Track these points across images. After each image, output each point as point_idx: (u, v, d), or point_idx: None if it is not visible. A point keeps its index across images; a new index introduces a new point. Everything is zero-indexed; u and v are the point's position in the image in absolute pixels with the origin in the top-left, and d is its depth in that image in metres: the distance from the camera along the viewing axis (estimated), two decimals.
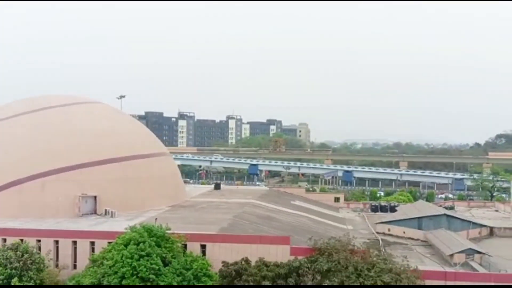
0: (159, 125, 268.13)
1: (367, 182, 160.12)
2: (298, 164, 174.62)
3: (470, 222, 51.77)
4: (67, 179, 46.72)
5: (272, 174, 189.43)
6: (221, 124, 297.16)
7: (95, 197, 47.33)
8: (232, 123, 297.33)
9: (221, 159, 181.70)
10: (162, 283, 31.19)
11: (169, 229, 35.34)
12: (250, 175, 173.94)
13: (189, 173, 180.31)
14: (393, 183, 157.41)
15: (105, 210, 46.71)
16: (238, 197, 62.93)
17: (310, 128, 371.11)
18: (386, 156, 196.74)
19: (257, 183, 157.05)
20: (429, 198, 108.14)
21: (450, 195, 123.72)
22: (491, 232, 53.48)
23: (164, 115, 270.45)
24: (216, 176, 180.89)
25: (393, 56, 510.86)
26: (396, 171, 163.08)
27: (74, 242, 37.08)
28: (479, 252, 40.37)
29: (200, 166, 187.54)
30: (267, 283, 30.12)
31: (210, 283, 32.89)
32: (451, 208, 74.08)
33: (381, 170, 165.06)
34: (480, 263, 39.42)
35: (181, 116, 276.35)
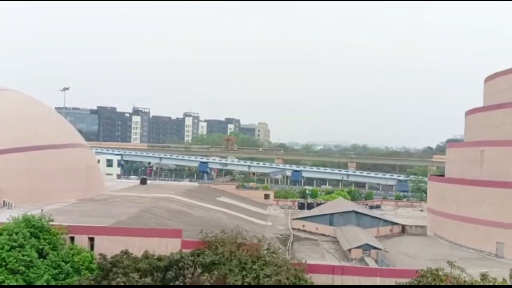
0: (111, 120, 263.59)
1: (315, 182, 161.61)
2: (248, 162, 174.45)
3: (380, 219, 52.41)
4: None
5: (224, 173, 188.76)
6: (177, 121, 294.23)
7: None
8: (188, 121, 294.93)
9: (171, 156, 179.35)
10: (33, 275, 29.91)
11: (52, 220, 34.04)
12: (200, 173, 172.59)
13: (137, 170, 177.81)
14: (340, 183, 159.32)
15: (3, 201, 44.80)
16: (159, 192, 61.85)
17: (270, 128, 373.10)
18: (335, 157, 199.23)
19: (207, 181, 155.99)
20: (368, 198, 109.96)
21: (388, 196, 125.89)
22: (403, 229, 54.35)
23: (118, 110, 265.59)
24: (165, 173, 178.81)
25: (365, 58, 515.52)
26: (343, 171, 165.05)
27: None
28: (376, 248, 40.71)
29: (149, 163, 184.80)
30: (137, 276, 29.21)
31: (89, 275, 31.78)
32: (377, 207, 75.30)
33: (328, 170, 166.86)
34: (376, 259, 39.77)
35: (136, 111, 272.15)
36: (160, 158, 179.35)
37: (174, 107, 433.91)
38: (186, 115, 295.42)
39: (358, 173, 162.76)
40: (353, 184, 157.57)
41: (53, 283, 30.45)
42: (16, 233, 31.17)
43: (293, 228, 54.16)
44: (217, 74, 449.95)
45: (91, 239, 35.74)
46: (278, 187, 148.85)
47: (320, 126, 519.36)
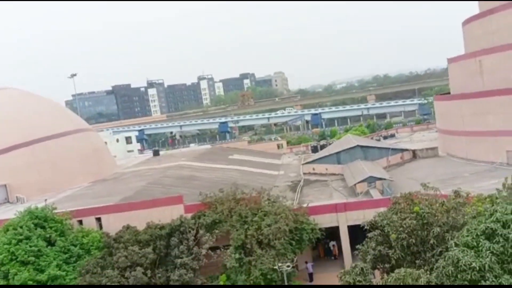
0: (128, 97, 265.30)
1: (336, 121, 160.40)
2: (266, 115, 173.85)
3: (388, 148, 51.75)
4: None
5: (246, 129, 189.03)
6: (193, 86, 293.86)
7: (5, 185, 46.75)
8: (204, 84, 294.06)
9: (190, 122, 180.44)
10: (43, 263, 31.10)
11: (55, 208, 35.01)
12: (222, 133, 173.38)
13: (163, 142, 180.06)
14: (361, 118, 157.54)
15: (16, 197, 46.28)
16: (170, 161, 62.37)
17: (288, 76, 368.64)
18: (354, 93, 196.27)
19: (229, 140, 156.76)
20: (388, 128, 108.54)
21: (408, 122, 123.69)
22: (414, 155, 53.64)
23: (132, 86, 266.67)
24: (189, 140, 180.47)
25: None
26: (362, 106, 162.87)
27: None
28: (380, 179, 40.41)
29: (171, 133, 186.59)
30: (137, 248, 29.98)
31: (99, 254, 32.83)
32: (392, 136, 74.36)
33: (347, 107, 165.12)
34: (382, 189, 39.53)
35: (150, 84, 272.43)
36: (180, 126, 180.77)
37: (187, 73, 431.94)
38: (200, 78, 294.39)
39: (377, 104, 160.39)
40: (374, 116, 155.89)
41: (64, 267, 31.63)
42: (21, 227, 32.25)
43: (304, 173, 54.19)
44: (222, 29, 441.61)
45: (98, 219, 36.72)
46: (299, 133, 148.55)
47: (340, 63, 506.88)
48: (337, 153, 51.36)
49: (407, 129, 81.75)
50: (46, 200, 38.74)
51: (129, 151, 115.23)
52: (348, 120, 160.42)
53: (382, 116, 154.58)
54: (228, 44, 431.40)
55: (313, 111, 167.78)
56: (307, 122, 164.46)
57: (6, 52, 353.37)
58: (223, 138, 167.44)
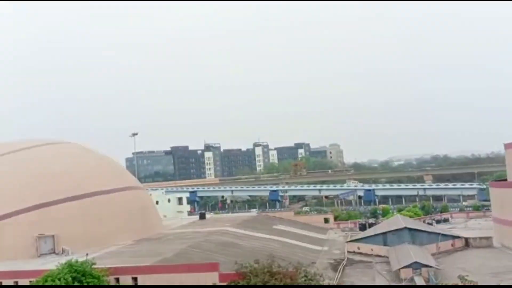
0: (185, 158, 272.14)
1: (390, 200, 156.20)
2: (318, 186, 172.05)
3: (438, 234, 49.40)
4: (25, 220, 47.99)
5: (297, 199, 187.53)
6: (248, 152, 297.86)
7: (53, 236, 48.25)
8: (258, 150, 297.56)
9: (241, 188, 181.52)
10: None
11: (94, 264, 35.55)
12: (272, 202, 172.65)
13: (213, 205, 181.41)
14: (416, 198, 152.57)
15: (62, 248, 47.50)
16: (215, 226, 62.53)
17: (343, 148, 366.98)
18: (410, 171, 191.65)
19: (279, 209, 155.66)
20: (443, 211, 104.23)
21: (466, 207, 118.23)
22: (467, 243, 50.85)
23: (190, 148, 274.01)
24: (239, 206, 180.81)
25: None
26: (418, 186, 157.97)
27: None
28: (426, 266, 38.38)
29: (222, 197, 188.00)
30: None
31: None
32: (445, 220, 71.25)
33: (402, 186, 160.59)
34: (428, 278, 37.44)
35: (207, 148, 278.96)
36: (232, 190, 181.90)
37: (243, 139, 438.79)
38: (256, 145, 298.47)
39: (434, 185, 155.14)
40: (431, 198, 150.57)
41: None
42: (59, 279, 32.87)
43: (348, 251, 52.52)
44: (282, 101, 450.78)
45: (135, 279, 36.88)
46: (351, 208, 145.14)
47: (400, 140, 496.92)
48: (384, 233, 49.65)
49: (463, 214, 78.19)
50: (87, 254, 39.47)
51: (179, 212, 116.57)
52: (403, 199, 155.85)
53: (439, 198, 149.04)
54: (285, 113, 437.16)
55: (366, 186, 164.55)
56: (360, 197, 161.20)
57: (76, 107, 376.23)
58: (273, 206, 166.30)
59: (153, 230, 58.33)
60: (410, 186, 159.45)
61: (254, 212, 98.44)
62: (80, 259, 36.53)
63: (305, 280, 34.04)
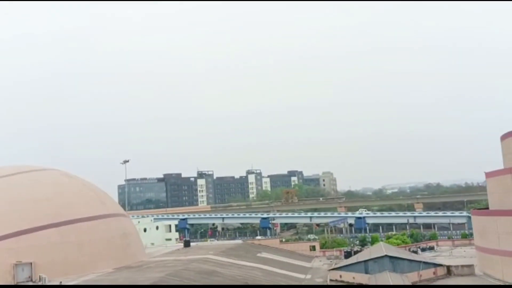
0: (178, 186, 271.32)
1: (380, 227, 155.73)
2: (309, 214, 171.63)
3: (420, 262, 49.20)
4: (2, 247, 47.41)
5: (288, 227, 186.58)
6: (241, 180, 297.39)
7: (31, 263, 47.65)
8: (251, 178, 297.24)
9: (232, 215, 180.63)
10: None
11: None
12: (263, 229, 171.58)
13: (202, 233, 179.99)
14: (407, 226, 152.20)
15: (39, 276, 46.83)
16: (198, 254, 62.02)
17: (336, 176, 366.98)
18: (401, 199, 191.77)
19: (269, 236, 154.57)
20: (432, 239, 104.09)
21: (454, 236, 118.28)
22: (449, 271, 50.58)
23: (183, 175, 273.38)
24: (229, 233, 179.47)
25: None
26: (408, 214, 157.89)
27: None
28: None
29: (213, 224, 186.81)
30: None
31: None
32: (431, 248, 71.05)
33: (393, 214, 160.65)
34: None
35: (200, 175, 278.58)
36: (223, 218, 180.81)
37: (236, 166, 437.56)
38: (249, 172, 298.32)
39: (424, 214, 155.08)
40: (421, 226, 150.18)
41: None
42: None
43: (331, 280, 52.14)
44: (276, 129, 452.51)
45: None
46: (341, 236, 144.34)
47: (394, 168, 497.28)
48: (365, 261, 49.38)
49: (449, 242, 78.03)
50: (61, 282, 38.99)
51: (167, 239, 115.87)
52: (394, 227, 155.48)
53: (429, 226, 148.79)
54: (278, 141, 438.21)
55: (357, 214, 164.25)
56: (350, 225, 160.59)
57: (71, 134, 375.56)
58: (264, 233, 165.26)
59: (135, 258, 57.70)
60: (401, 214, 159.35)
61: (238, 240, 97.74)
62: None
63: None
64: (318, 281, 53.53)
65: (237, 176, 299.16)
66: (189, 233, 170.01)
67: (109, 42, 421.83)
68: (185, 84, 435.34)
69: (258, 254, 65.65)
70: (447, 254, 66.15)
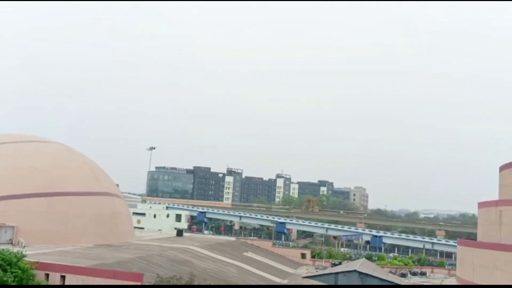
0: (205, 179, 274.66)
1: (396, 249, 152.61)
2: (326, 225, 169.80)
3: (392, 283, 48.14)
4: None
5: (305, 235, 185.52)
6: (269, 182, 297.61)
7: (13, 227, 49.81)
8: (280, 182, 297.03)
9: (250, 215, 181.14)
10: None
11: (24, 256, 36.61)
12: (278, 233, 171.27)
13: (216, 228, 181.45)
14: (423, 252, 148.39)
15: (19, 240, 48.90)
16: (183, 244, 62.73)
17: (369, 192, 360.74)
18: (422, 224, 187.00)
19: (284, 242, 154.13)
20: (440, 265, 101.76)
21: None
22: None
23: (212, 170, 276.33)
24: (245, 232, 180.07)
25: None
26: (427, 239, 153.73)
27: None
28: None
29: (231, 222, 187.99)
30: None
31: None
32: (422, 274, 69.26)
33: (411, 237, 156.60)
34: None
35: (229, 172, 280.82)
36: (240, 216, 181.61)
37: (266, 169, 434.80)
38: (278, 176, 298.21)
39: (443, 241, 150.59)
40: (438, 253, 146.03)
41: None
42: None
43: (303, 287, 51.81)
44: (312, 136, 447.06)
45: (63, 277, 37.72)
46: (353, 251, 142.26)
47: (436, 193, 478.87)
48: (336, 273, 48.77)
49: (445, 271, 75.67)
50: (22, 243, 40.62)
51: (175, 228, 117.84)
52: (410, 250, 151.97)
53: (449, 255, 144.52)
54: (311, 150, 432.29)
55: (374, 232, 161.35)
56: (368, 242, 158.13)
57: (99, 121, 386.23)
58: (279, 238, 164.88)
59: (120, 238, 59.12)
60: (419, 238, 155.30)
61: (232, 238, 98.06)
62: (15, 250, 37.73)
63: None
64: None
65: (265, 178, 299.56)
66: (207, 226, 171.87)
67: (161, 31, 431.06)
68: (231, 83, 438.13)
69: (244, 253, 65.90)
70: (437, 281, 64.31)
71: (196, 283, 35.28)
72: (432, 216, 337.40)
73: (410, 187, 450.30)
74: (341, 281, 47.99)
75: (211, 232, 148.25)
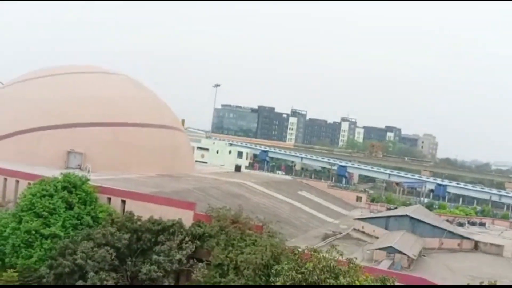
0: (269, 119, 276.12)
1: (461, 200, 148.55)
2: (388, 171, 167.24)
3: (444, 230, 47.40)
4: (60, 135, 53.35)
5: (367, 180, 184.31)
6: (333, 125, 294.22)
7: (82, 153, 53.27)
8: (345, 125, 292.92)
9: (311, 157, 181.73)
10: (53, 221, 35.28)
11: (88, 180, 39.34)
12: (339, 176, 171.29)
13: (277, 167, 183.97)
14: (489, 203, 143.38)
15: (86, 166, 52.35)
16: (240, 179, 64.36)
17: (438, 141, 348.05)
18: (492, 175, 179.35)
19: (344, 185, 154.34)
20: (504, 218, 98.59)
21: None
22: (476, 246, 48.34)
23: (276, 110, 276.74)
24: (306, 173, 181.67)
25: None
26: (495, 191, 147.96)
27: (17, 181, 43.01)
28: (401, 253, 37.63)
29: (292, 162, 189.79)
30: (115, 230, 32.45)
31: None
32: (482, 224, 67.53)
33: (477, 188, 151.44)
34: (393, 262, 36.89)
35: (293, 113, 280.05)
36: (301, 158, 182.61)
37: (331, 111, 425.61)
38: (343, 119, 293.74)
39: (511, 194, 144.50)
40: (505, 206, 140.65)
41: (69, 230, 35.49)
42: (49, 185, 37.02)
43: (354, 229, 52.24)
44: (379, 79, 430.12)
45: (124, 202, 40.38)
46: (416, 199, 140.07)
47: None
48: (387, 217, 48.74)
49: (506, 223, 73.10)
50: (88, 168, 43.47)
51: (236, 165, 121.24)
52: (475, 201, 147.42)
53: None
54: (382, 92, 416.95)
55: (439, 181, 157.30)
56: (431, 191, 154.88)
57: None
58: (340, 181, 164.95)
59: (181, 169, 61.60)
60: (486, 189, 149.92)
61: (288, 177, 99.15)
62: (82, 174, 40.61)
63: (267, 237, 35.13)
64: (343, 227, 53.91)
65: (330, 121, 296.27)
66: (268, 165, 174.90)
67: None
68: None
69: (298, 192, 66.87)
70: (496, 233, 62.47)
71: (244, 216, 36.47)
72: (505, 168, 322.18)
73: (485, 138, 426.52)
74: (392, 225, 47.96)
75: (279, 172, 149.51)
